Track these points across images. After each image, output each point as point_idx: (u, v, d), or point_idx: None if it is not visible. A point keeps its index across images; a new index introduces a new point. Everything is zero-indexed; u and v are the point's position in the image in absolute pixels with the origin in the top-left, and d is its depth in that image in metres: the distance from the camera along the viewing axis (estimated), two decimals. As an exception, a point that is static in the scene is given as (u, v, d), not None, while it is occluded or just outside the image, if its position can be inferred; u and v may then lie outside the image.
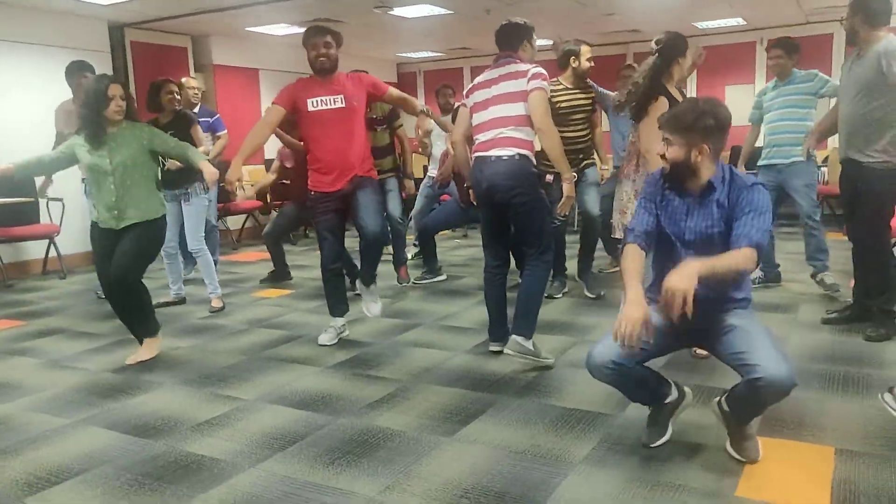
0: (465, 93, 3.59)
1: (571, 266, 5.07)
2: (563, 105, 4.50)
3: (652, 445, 2.47)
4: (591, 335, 3.90)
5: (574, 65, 4.57)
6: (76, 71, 4.69)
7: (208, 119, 5.92)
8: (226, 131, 6.06)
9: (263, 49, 8.86)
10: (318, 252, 3.93)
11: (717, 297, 2.28)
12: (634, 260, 2.33)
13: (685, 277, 2.06)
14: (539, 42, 7.33)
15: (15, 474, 2.48)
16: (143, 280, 3.67)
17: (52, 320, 4.79)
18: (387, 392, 3.18)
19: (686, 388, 2.57)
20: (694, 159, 2.25)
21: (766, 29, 8.77)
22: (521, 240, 3.49)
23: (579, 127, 4.57)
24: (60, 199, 6.09)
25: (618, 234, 3.75)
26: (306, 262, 6.82)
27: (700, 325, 2.25)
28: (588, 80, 4.67)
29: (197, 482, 2.37)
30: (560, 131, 4.33)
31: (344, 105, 3.67)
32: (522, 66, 3.36)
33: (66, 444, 2.73)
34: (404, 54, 10.36)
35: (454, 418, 2.85)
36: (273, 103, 3.74)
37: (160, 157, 3.83)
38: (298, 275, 6.03)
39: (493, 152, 3.32)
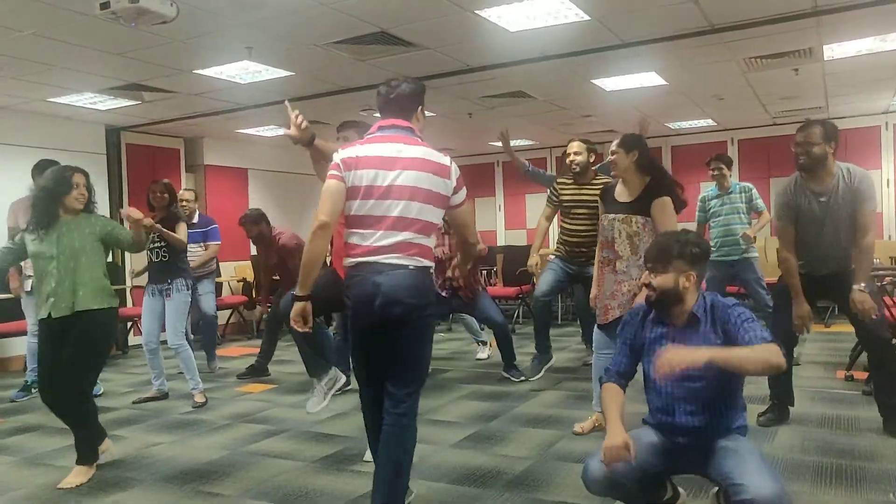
0: (339, 160, 2.53)
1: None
2: (566, 199, 4.77)
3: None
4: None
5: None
6: (46, 168, 4.68)
7: (203, 229, 6.00)
8: (217, 243, 6.06)
9: (252, 149, 9.14)
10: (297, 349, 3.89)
11: (713, 427, 2.30)
12: (613, 398, 2.39)
13: (686, 355, 2.10)
14: (520, 142, 7.68)
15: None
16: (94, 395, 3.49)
17: (30, 417, 4.68)
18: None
19: (680, 489, 2.55)
20: (682, 286, 2.34)
21: (738, 129, 9.18)
22: (399, 372, 2.61)
23: (579, 221, 4.69)
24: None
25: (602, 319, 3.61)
26: (290, 357, 6.77)
27: (692, 450, 2.31)
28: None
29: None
30: (562, 221, 4.79)
31: None
32: (442, 159, 2.60)
33: (37, 545, 2.64)
34: (390, 154, 10.70)
35: (440, 513, 2.79)
36: None
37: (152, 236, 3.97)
38: (282, 370, 5.98)
39: (393, 259, 2.50)
